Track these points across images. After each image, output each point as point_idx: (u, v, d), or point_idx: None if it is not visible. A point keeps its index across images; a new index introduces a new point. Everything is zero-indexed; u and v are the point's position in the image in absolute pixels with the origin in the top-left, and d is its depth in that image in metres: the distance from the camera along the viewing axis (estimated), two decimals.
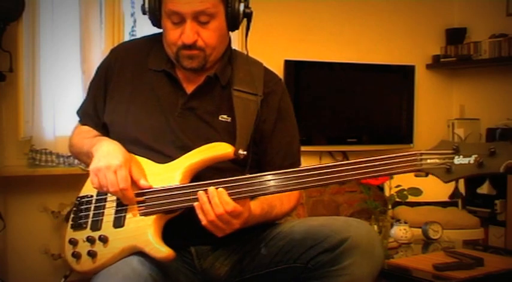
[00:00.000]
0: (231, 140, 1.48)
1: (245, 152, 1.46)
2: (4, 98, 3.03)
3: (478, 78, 4.33)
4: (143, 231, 1.39)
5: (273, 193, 1.39)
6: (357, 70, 3.98)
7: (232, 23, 1.52)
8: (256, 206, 1.44)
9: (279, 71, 3.58)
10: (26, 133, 3.01)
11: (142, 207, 1.42)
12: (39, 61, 3.02)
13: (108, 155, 1.43)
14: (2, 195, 3.03)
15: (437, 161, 1.30)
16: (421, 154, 1.31)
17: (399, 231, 2.65)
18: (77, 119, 1.72)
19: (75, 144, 1.65)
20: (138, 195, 1.43)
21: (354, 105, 3.97)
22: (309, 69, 3.82)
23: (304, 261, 1.42)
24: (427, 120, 4.29)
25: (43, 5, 3.01)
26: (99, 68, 1.68)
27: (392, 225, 2.68)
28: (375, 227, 2.55)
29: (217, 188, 1.35)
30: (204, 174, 1.46)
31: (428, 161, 1.30)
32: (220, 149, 1.45)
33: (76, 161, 2.94)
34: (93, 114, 1.65)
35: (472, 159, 1.28)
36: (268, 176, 1.37)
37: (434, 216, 3.17)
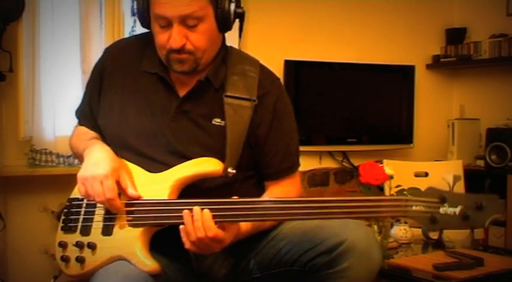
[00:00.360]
0: (224, 145, 1.47)
1: (234, 171, 1.44)
2: (4, 98, 3.03)
3: (478, 78, 4.33)
4: (130, 243, 1.40)
5: (256, 221, 1.40)
6: (357, 70, 3.98)
7: (223, 24, 1.48)
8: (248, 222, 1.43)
9: (279, 71, 3.58)
10: (26, 133, 3.01)
11: (130, 218, 1.41)
12: (39, 61, 3.01)
13: (96, 164, 1.43)
14: (2, 195, 3.03)
15: (422, 209, 1.30)
16: (407, 200, 1.30)
17: (399, 231, 2.64)
18: (76, 119, 1.72)
19: (73, 145, 1.65)
20: (127, 205, 1.42)
21: (354, 105, 3.97)
22: (309, 69, 3.81)
23: (301, 264, 1.42)
24: (427, 120, 4.29)
25: (43, 5, 3.01)
26: (94, 68, 1.66)
27: (392, 225, 2.68)
28: (375, 227, 2.55)
29: (202, 209, 1.33)
30: None
31: (414, 208, 1.30)
32: (210, 166, 1.44)
33: (76, 161, 2.94)
34: (89, 115, 1.64)
35: (457, 211, 1.28)
36: (257, 204, 1.36)
37: None
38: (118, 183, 1.42)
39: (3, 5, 2.76)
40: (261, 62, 1.64)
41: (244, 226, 1.42)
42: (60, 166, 3.05)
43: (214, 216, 1.33)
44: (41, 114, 3.03)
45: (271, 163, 1.57)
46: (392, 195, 2.67)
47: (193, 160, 1.45)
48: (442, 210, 1.29)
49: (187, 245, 1.35)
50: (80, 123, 1.68)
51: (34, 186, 3.07)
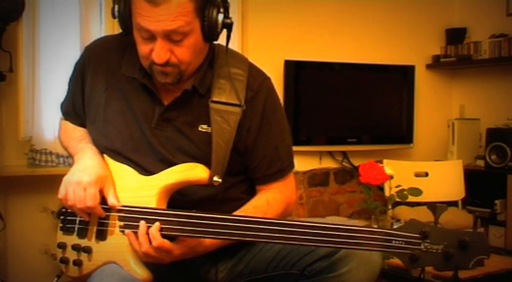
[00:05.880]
0: (211, 152, 1.43)
1: (220, 180, 1.40)
2: (4, 98, 3.03)
3: (478, 78, 4.33)
4: (123, 250, 1.40)
5: (206, 238, 1.36)
6: (357, 70, 3.98)
7: (210, 35, 1.40)
8: None
9: (279, 71, 3.59)
10: (26, 133, 3.01)
11: (122, 224, 1.41)
12: (39, 61, 3.02)
13: (83, 170, 1.42)
14: (2, 195, 3.03)
15: (403, 244, 1.21)
16: (387, 234, 1.23)
17: None
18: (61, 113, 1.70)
19: (63, 141, 1.65)
20: (119, 211, 1.42)
21: (354, 105, 3.97)
22: (309, 69, 3.81)
23: (300, 268, 1.41)
24: (427, 120, 4.29)
25: (43, 5, 3.01)
26: (75, 66, 1.61)
27: (392, 225, 2.68)
28: (375, 227, 2.55)
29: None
30: None
31: (393, 243, 1.22)
32: (196, 173, 1.41)
33: None
34: (73, 114, 1.62)
35: (440, 248, 1.19)
36: (212, 221, 1.32)
37: None
38: (102, 191, 1.42)
39: (3, 5, 2.76)
40: (261, 62, 1.61)
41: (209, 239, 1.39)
42: (60, 166, 3.05)
43: (162, 229, 1.32)
44: (41, 114, 3.03)
45: (259, 167, 1.53)
46: (392, 194, 2.67)
47: (180, 165, 1.42)
48: (423, 246, 1.20)
49: (140, 257, 1.36)
50: (65, 118, 1.66)
51: (34, 186, 3.07)
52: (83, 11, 3.12)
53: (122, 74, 1.51)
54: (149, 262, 1.36)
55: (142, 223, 1.34)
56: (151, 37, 1.36)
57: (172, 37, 1.35)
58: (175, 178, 1.42)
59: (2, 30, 2.83)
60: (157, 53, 1.36)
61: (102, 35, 3.16)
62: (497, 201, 3.80)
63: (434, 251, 1.20)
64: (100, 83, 1.53)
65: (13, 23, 2.88)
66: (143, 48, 1.39)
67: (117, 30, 3.17)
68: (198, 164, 1.42)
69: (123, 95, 1.51)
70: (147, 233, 1.33)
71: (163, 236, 1.33)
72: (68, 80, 1.66)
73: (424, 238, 1.21)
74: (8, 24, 2.85)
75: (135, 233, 1.34)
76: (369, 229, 1.26)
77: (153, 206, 1.39)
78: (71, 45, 3.11)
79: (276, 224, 1.30)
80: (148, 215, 1.37)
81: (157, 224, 1.33)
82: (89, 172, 1.41)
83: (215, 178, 1.40)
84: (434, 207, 1.26)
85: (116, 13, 1.40)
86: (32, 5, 2.96)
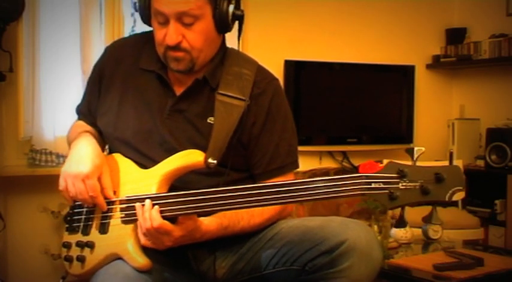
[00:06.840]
0: None
1: (215, 161, 1.42)
2: (4, 98, 3.03)
3: (478, 78, 4.33)
4: (123, 240, 1.41)
5: (205, 211, 1.36)
6: (357, 70, 3.98)
7: (221, 25, 1.47)
8: (212, 222, 1.41)
9: (279, 71, 3.59)
10: (26, 133, 3.01)
11: (123, 215, 1.42)
12: (39, 61, 3.02)
13: (79, 160, 1.44)
14: (2, 195, 3.03)
15: (381, 185, 1.24)
16: (367, 177, 1.25)
17: (399, 231, 2.65)
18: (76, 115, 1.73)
19: (69, 138, 1.66)
20: (120, 202, 1.43)
21: (354, 105, 3.97)
22: (309, 69, 3.82)
23: (301, 264, 1.41)
24: (427, 120, 4.29)
25: (43, 5, 3.01)
26: (94, 67, 1.67)
27: (392, 225, 2.68)
28: (375, 227, 2.55)
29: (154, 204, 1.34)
30: (190, 176, 1.46)
31: (373, 185, 1.25)
32: (192, 158, 1.43)
33: None
34: (87, 114, 1.66)
35: (417, 185, 1.22)
36: (209, 195, 1.33)
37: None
38: (100, 180, 1.44)
39: (3, 5, 2.76)
40: (261, 62, 1.63)
41: (208, 224, 1.40)
42: (60, 166, 3.02)
43: (162, 211, 1.34)
44: (41, 114, 3.03)
45: (259, 164, 1.56)
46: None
47: (177, 154, 1.45)
48: (401, 185, 1.23)
49: (141, 240, 1.37)
50: (79, 119, 1.70)
51: (34, 186, 3.08)
52: (83, 11, 3.12)
53: (139, 68, 1.57)
54: (150, 246, 1.37)
55: (148, 201, 1.35)
56: (165, 21, 1.43)
57: (183, 20, 1.42)
58: (174, 165, 1.44)
59: (2, 30, 2.83)
60: (170, 35, 1.43)
61: (102, 35, 3.17)
62: (497, 201, 3.80)
63: (411, 188, 1.23)
64: (116, 80, 1.59)
65: (13, 23, 2.88)
66: (159, 33, 1.46)
67: (117, 30, 3.20)
68: (193, 150, 1.45)
69: (138, 89, 1.56)
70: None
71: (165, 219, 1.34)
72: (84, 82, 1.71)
73: (401, 177, 1.24)
74: (8, 24, 2.85)
75: (143, 206, 1.35)
76: (350, 176, 1.28)
77: (153, 193, 1.41)
78: (71, 45, 3.11)
79: (263, 188, 1.32)
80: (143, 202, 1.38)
81: (156, 206, 1.34)
82: (85, 162, 1.43)
83: (210, 160, 1.42)
84: (412, 149, 1.29)
85: (137, 5, 1.49)
86: (32, 5, 2.96)
